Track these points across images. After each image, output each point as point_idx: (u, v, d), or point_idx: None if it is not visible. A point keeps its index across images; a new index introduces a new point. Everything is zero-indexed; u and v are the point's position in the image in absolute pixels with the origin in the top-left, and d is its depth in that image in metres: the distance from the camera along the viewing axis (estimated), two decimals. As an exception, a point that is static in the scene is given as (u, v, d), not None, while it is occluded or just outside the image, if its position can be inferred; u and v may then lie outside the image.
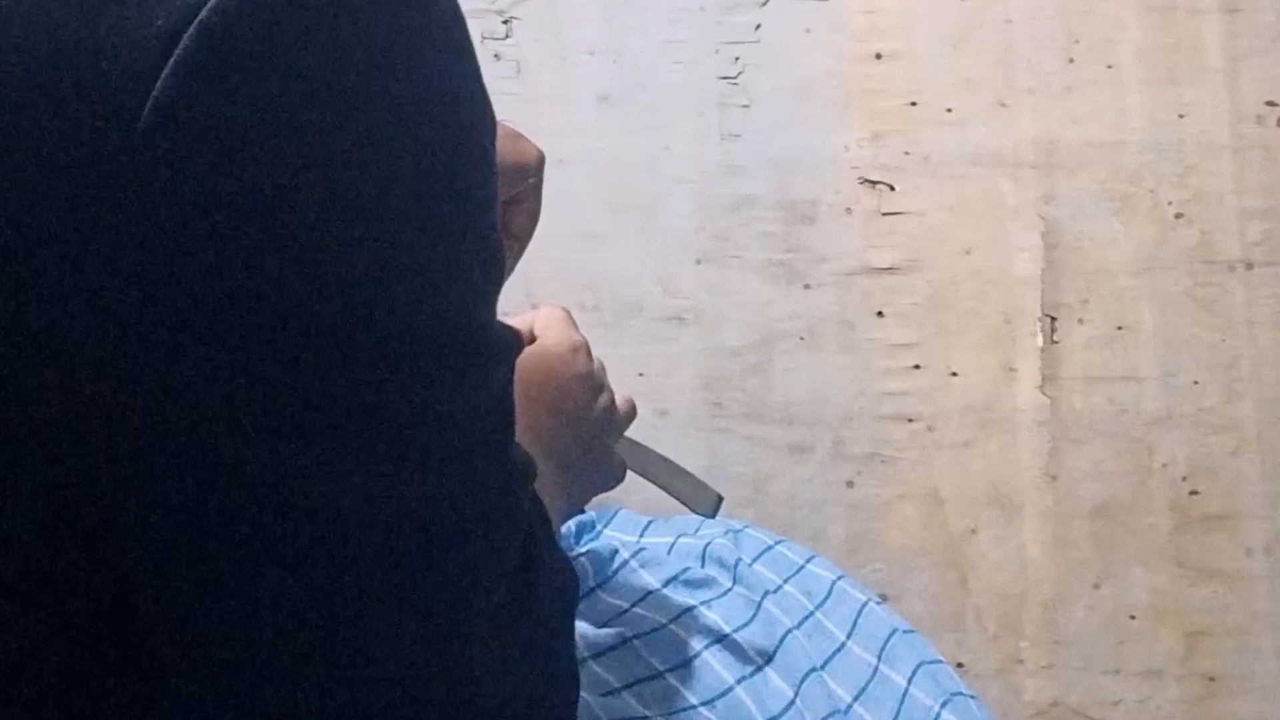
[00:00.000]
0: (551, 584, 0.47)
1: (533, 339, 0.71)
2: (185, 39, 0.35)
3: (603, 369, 0.75)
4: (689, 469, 0.83)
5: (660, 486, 0.82)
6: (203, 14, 0.35)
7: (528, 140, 0.71)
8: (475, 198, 0.41)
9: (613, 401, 0.75)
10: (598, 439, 0.73)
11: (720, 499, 0.83)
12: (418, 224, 0.38)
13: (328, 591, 0.38)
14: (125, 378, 0.36)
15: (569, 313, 0.75)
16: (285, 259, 0.36)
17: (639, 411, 0.81)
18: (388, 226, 0.37)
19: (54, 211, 0.35)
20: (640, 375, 1.39)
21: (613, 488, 0.78)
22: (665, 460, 0.82)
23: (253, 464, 0.37)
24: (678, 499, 0.83)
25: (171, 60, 0.35)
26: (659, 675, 0.72)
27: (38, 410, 0.36)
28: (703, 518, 0.83)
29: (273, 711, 0.39)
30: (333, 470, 0.37)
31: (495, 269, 0.42)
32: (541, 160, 0.72)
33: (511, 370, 0.44)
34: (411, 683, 0.40)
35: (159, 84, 0.35)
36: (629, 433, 0.80)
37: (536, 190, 0.73)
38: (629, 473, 0.79)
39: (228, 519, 0.37)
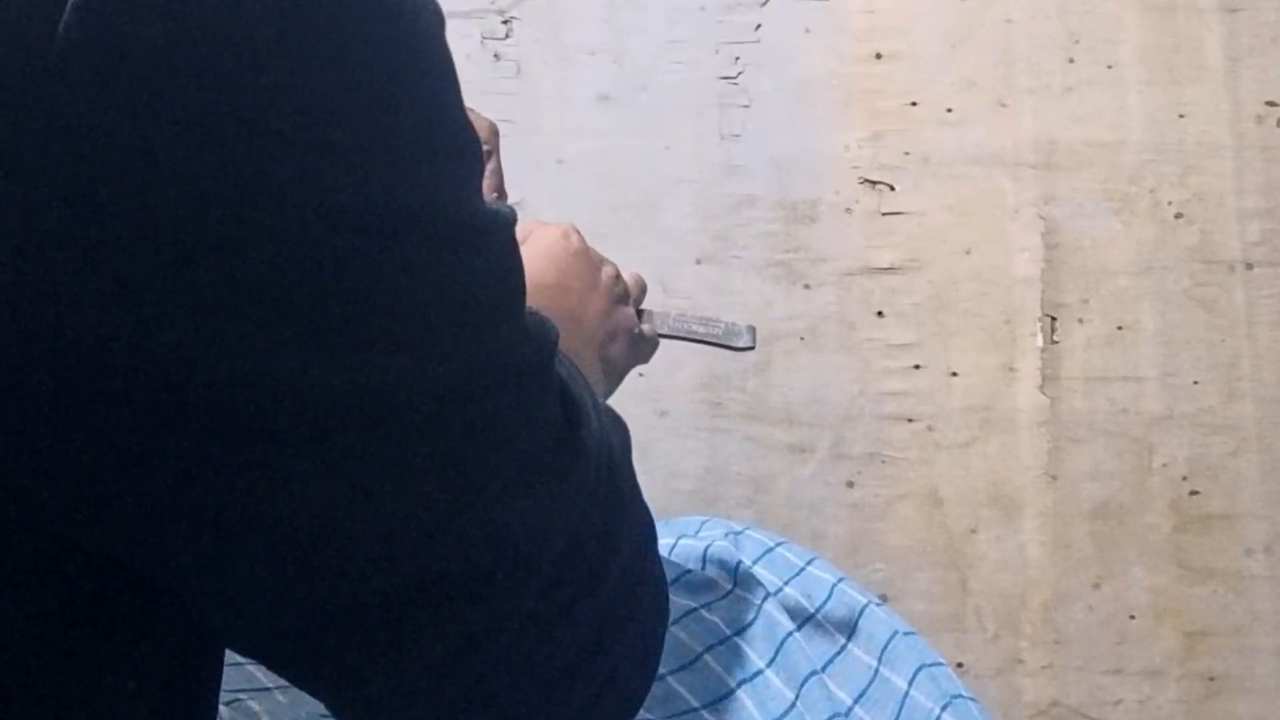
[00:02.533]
0: (597, 436, 0.48)
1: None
2: None
3: (599, 255, 0.78)
4: (720, 318, 0.85)
5: (691, 339, 0.84)
6: None
7: (478, 113, 0.71)
8: (423, 84, 0.40)
9: (618, 274, 0.78)
10: (614, 309, 0.76)
11: (753, 329, 0.84)
12: (361, 114, 0.37)
13: (347, 474, 0.38)
14: (71, 302, 0.34)
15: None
16: (226, 162, 0.35)
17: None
18: (331, 118, 0.36)
19: None
20: (640, 375, 1.39)
21: (648, 358, 0.82)
22: (685, 315, 0.84)
23: (236, 367, 0.36)
24: (714, 344, 0.84)
25: None
26: (660, 678, 0.72)
27: None
28: (745, 351, 0.85)
29: (321, 594, 0.39)
30: (320, 361, 0.37)
31: (465, 155, 0.42)
32: (494, 132, 0.73)
33: (510, 241, 0.44)
34: (460, 548, 0.40)
35: None
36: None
37: (495, 165, 0.73)
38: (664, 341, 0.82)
39: (233, 423, 0.37)
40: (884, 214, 1.43)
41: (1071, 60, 1.43)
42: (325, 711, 0.66)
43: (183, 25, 0.34)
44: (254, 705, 0.65)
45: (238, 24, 0.35)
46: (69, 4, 0.34)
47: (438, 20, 0.41)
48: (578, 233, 0.76)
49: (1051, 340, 1.40)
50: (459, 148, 0.42)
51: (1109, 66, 1.43)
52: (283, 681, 0.67)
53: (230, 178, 0.35)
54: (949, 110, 1.43)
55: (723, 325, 0.84)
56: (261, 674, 0.67)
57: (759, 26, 1.46)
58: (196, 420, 0.36)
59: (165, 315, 0.35)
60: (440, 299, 0.40)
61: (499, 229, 0.43)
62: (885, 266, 1.42)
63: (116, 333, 0.35)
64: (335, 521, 0.39)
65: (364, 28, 0.37)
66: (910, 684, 0.76)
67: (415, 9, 0.40)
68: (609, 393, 0.76)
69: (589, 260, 0.75)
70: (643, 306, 0.82)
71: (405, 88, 0.39)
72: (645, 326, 0.80)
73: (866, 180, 1.43)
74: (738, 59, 1.45)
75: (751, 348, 0.84)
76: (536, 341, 0.44)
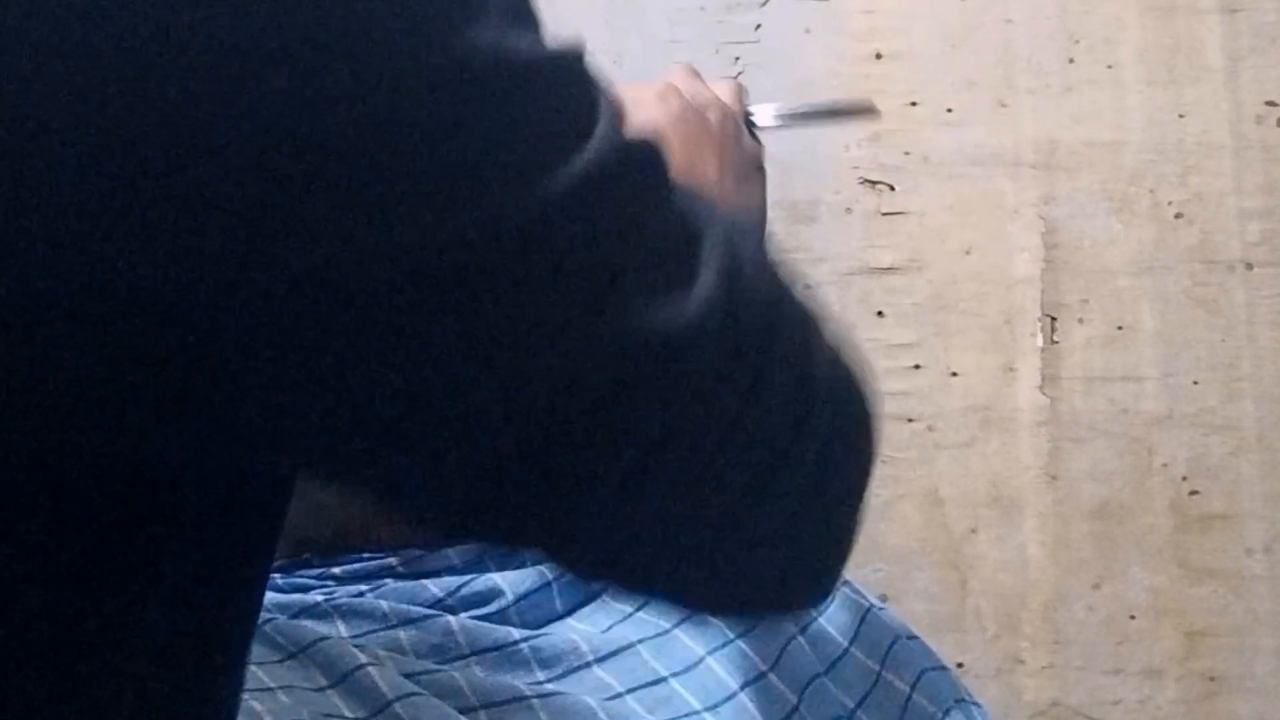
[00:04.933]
0: (721, 249, 0.46)
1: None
2: None
3: (696, 77, 0.71)
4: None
5: (812, 115, 0.84)
6: None
7: None
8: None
9: (725, 110, 0.70)
10: (734, 154, 0.69)
11: (871, 101, 0.87)
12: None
13: (470, 311, 0.38)
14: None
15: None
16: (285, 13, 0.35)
17: None
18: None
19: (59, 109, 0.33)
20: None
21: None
22: (801, 101, 0.90)
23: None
24: (840, 113, 0.93)
25: None
26: (663, 680, 0.72)
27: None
28: (871, 116, 0.91)
29: (467, 431, 0.40)
30: (446, 205, 0.37)
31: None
32: None
33: (579, 70, 0.43)
34: (592, 355, 0.40)
35: None
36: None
37: None
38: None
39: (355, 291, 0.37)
40: (884, 214, 1.43)
41: (1071, 60, 1.43)
42: (327, 711, 0.66)
43: None
44: (256, 705, 0.65)
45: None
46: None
47: None
48: (676, 89, 0.68)
49: (1051, 340, 1.40)
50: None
51: (1109, 66, 1.43)
52: (285, 682, 0.67)
53: (293, 44, 0.35)
54: (949, 110, 1.43)
55: (845, 101, 0.85)
56: (264, 674, 0.67)
57: (759, 26, 1.45)
58: (313, 299, 0.36)
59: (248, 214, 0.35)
60: (525, 132, 0.39)
61: (570, 60, 0.42)
62: (885, 266, 1.42)
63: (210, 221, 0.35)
64: (472, 350, 0.39)
65: None
66: (913, 688, 0.76)
67: None
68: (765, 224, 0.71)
69: (694, 123, 0.67)
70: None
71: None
72: (754, 138, 0.74)
73: (866, 180, 1.43)
74: (738, 59, 1.45)
75: (876, 114, 0.85)
76: (641, 159, 0.43)
